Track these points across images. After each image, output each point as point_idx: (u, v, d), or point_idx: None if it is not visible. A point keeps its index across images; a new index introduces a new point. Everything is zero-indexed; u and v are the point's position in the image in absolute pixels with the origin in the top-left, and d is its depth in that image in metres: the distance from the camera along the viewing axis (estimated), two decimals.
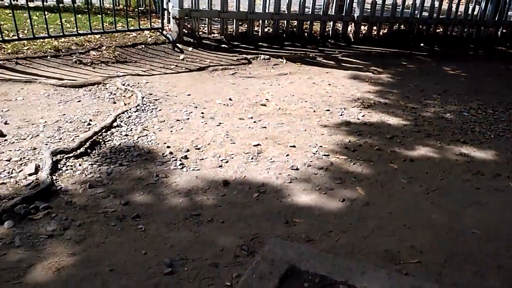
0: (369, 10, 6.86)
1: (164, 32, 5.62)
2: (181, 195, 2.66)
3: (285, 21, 6.45)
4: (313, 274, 1.97)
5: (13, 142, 3.10)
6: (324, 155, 3.28)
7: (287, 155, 3.23)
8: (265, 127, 3.68)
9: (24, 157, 2.90)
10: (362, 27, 7.15)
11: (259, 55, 5.70)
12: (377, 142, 3.57)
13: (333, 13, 7.02)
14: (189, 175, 2.88)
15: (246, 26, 6.27)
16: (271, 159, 3.16)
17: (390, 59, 6.44)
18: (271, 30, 6.42)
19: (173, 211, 2.51)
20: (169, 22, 5.79)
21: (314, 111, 4.16)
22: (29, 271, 1.98)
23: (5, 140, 3.11)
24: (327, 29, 6.82)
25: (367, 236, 2.38)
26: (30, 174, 2.71)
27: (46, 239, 2.19)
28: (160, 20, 5.71)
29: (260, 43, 6.14)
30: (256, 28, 6.32)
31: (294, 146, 3.38)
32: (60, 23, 4.79)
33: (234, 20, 6.04)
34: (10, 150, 2.98)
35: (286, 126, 3.75)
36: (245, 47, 5.94)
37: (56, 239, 2.20)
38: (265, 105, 4.19)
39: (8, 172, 2.73)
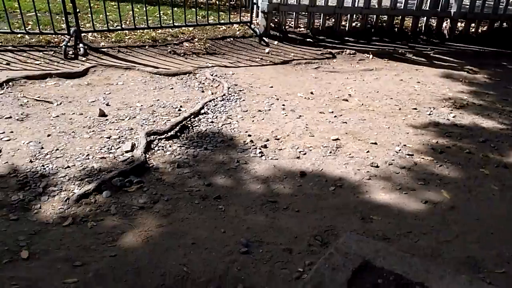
0: (467, 6, 6.37)
1: (252, 26, 5.78)
2: (259, 182, 2.76)
3: (375, 16, 6.26)
4: (388, 272, 1.94)
5: (113, 122, 3.43)
6: (408, 154, 3.16)
7: (368, 151, 3.17)
8: (345, 122, 3.64)
9: (122, 136, 3.21)
10: (459, 24, 6.66)
11: (345, 50, 5.61)
12: (468, 145, 3.34)
13: (427, 8, 6.64)
14: (268, 163, 2.96)
15: (333, 20, 6.20)
16: (350, 154, 3.13)
17: (488, 58, 5.93)
18: (359, 24, 6.27)
19: (251, 196, 2.61)
20: (257, 16, 5.94)
21: (400, 109, 4.01)
22: (122, 236, 2.21)
23: (106, 119, 3.46)
24: (419, 25, 6.47)
25: (449, 240, 2.26)
26: (126, 151, 2.99)
27: (138, 210, 2.42)
28: (249, 14, 5.89)
29: (346, 38, 6.03)
30: (343, 23, 6.22)
31: (375, 143, 3.30)
32: (158, 16, 5.17)
33: (322, 14, 6.00)
34: (110, 129, 3.31)
35: (368, 122, 3.66)
36: (331, 42, 5.88)
37: (146, 211, 2.42)
38: (347, 100, 4.14)
39: (108, 148, 3.04)
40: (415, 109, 4.02)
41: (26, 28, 4.72)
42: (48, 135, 3.14)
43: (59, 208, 2.38)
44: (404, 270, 1.95)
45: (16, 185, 2.55)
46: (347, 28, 6.18)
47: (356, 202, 2.59)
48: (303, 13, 6.11)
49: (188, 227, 2.31)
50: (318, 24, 6.13)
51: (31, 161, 2.79)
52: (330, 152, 3.14)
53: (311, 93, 4.26)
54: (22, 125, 3.26)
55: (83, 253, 2.05)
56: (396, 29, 6.42)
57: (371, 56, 5.54)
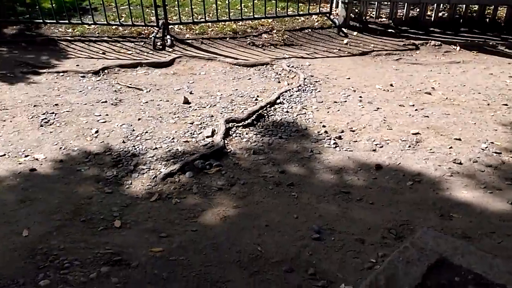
0: None
1: (331, 17, 5.71)
2: (332, 172, 2.77)
3: (464, 5, 5.84)
4: (466, 271, 1.87)
5: (196, 109, 3.65)
6: (495, 152, 2.95)
7: (450, 147, 3.02)
8: (427, 116, 3.49)
9: (203, 122, 3.40)
10: None
11: (429, 41, 5.33)
12: None
13: None
14: (342, 154, 2.96)
15: (417, 10, 5.90)
16: (430, 149, 3.01)
17: None
18: (446, 14, 5.89)
19: (324, 185, 2.64)
20: (337, 6, 5.86)
21: (488, 104, 3.74)
22: (202, 214, 2.38)
23: (190, 106, 3.69)
24: None
25: None
26: (207, 136, 3.17)
27: (216, 191, 2.58)
28: (328, 5, 5.83)
29: (431, 29, 5.71)
30: (428, 13, 5.89)
31: (459, 139, 3.13)
32: (239, 8, 5.34)
33: (406, 4, 5.74)
34: (193, 115, 3.52)
35: (452, 117, 3.47)
36: (414, 33, 5.61)
37: (224, 192, 2.57)
38: (429, 94, 3.95)
39: (191, 133, 3.25)
40: (506, 105, 3.72)
41: (120, 21, 5.15)
42: (139, 119, 3.43)
43: (147, 185, 2.62)
44: (485, 270, 1.86)
45: (111, 162, 2.84)
46: (432, 19, 5.84)
47: (435, 198, 2.50)
48: (386, 3, 5.89)
49: (262, 210, 2.41)
50: (401, 14, 5.88)
51: (123, 142, 3.09)
52: (409, 146, 3.05)
53: (391, 85, 4.13)
54: (116, 109, 3.59)
55: (168, 226, 2.24)
56: (487, 19, 5.94)
57: (458, 48, 5.20)
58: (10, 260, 1.89)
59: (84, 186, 2.56)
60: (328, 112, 3.59)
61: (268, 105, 3.66)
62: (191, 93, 3.96)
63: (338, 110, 3.62)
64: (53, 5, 5.07)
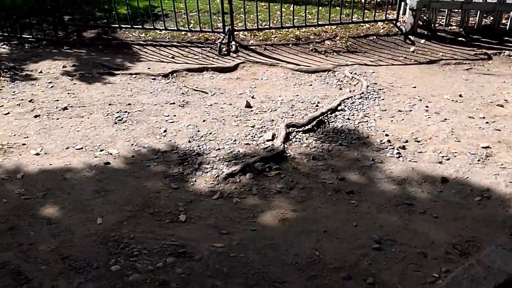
0: None
1: (398, 24, 5.57)
2: (394, 183, 2.71)
3: None
4: None
5: (257, 113, 3.73)
6: None
7: None
8: (499, 130, 3.30)
9: (264, 126, 3.48)
10: None
11: (503, 51, 5.02)
12: None
13: None
14: (405, 165, 2.89)
15: (491, 18, 5.59)
16: (502, 164, 2.84)
17: None
18: None
19: (385, 195, 2.59)
20: (404, 13, 5.70)
21: None
22: (261, 215, 2.44)
23: (251, 110, 3.78)
24: None
25: None
26: (267, 140, 3.24)
27: (275, 194, 2.63)
28: (395, 12, 5.69)
29: (506, 38, 5.38)
30: (503, 21, 5.56)
31: None
32: (303, 15, 5.38)
33: (478, 12, 5.46)
34: (254, 119, 3.61)
35: None
36: (487, 42, 5.31)
37: (283, 195, 2.61)
38: (502, 106, 3.73)
39: (252, 136, 3.33)
40: None
41: (189, 27, 5.40)
42: (203, 121, 3.58)
43: (210, 183, 2.73)
44: None
45: (177, 160, 3.00)
46: (507, 27, 5.50)
47: (505, 216, 2.37)
48: (457, 10, 5.64)
49: (320, 216, 2.43)
50: (473, 22, 5.60)
51: (189, 141, 3.24)
52: (478, 160, 2.90)
53: (460, 95, 3.96)
54: (182, 110, 3.78)
55: (229, 224, 2.33)
56: None
57: None
58: (86, 245, 2.06)
59: (152, 181, 2.73)
60: (391, 120, 3.52)
61: (329, 112, 3.66)
62: (253, 97, 4.06)
63: (403, 119, 3.53)
64: (129, 11, 5.44)
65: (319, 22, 5.43)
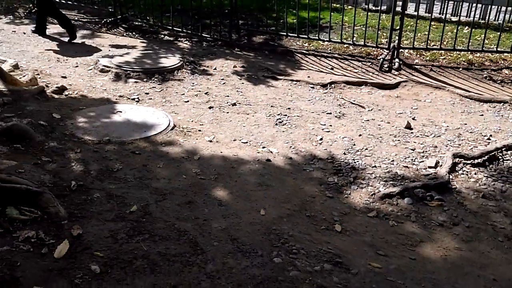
0: None
1: None
2: None
3: None
4: None
5: (418, 136, 3.55)
6: None
7: None
8: None
9: (425, 151, 3.29)
10: None
11: None
12: None
13: None
14: None
15: None
16: None
17: None
18: None
19: None
20: None
21: None
22: (420, 245, 2.31)
23: (411, 132, 3.62)
24: None
25: None
26: (430, 167, 3.06)
27: (436, 226, 2.47)
28: None
29: None
30: None
31: None
32: (478, 39, 4.94)
33: None
34: (415, 142, 3.45)
35: None
36: None
37: (445, 230, 2.43)
38: None
39: (411, 159, 3.18)
40: None
41: (353, 40, 5.41)
42: (359, 135, 3.55)
43: (365, 199, 2.70)
44: None
45: (332, 170, 3.04)
46: None
47: None
48: None
49: (488, 261, 2.20)
50: None
51: (344, 153, 3.25)
52: None
53: None
54: (338, 122, 3.81)
55: (385, 246, 2.27)
56: None
57: None
58: (251, 232, 2.23)
59: (309, 185, 2.82)
60: None
61: (504, 148, 3.28)
62: (413, 119, 3.88)
63: None
64: (297, 20, 5.70)
65: (498, 49, 4.92)
